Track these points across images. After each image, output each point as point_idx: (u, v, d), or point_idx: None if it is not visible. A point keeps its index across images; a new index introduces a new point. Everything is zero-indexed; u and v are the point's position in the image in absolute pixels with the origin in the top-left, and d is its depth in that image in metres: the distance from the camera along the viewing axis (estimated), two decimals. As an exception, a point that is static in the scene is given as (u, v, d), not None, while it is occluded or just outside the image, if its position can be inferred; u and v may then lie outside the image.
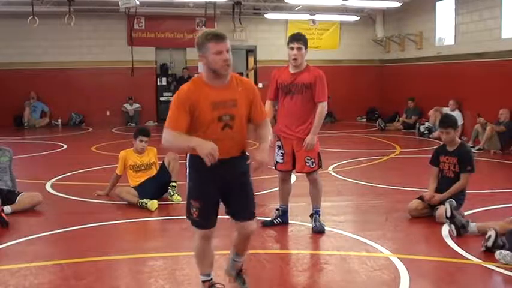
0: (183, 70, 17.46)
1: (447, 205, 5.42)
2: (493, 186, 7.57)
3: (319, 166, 5.53)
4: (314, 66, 5.55)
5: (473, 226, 5.26)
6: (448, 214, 5.33)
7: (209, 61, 3.42)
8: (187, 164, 3.65)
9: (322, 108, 5.37)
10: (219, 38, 3.42)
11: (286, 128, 5.46)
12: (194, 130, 3.45)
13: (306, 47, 5.39)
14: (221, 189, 3.63)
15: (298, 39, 5.37)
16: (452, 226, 5.27)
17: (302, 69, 5.40)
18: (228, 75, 3.51)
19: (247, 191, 3.71)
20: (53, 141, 12.96)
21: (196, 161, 3.43)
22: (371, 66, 18.36)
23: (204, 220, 3.78)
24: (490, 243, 4.71)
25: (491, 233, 4.74)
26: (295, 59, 5.34)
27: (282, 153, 5.52)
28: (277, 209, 5.76)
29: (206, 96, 3.43)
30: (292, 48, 5.34)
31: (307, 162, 5.40)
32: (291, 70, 5.43)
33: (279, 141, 5.52)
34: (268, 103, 5.59)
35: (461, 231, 5.22)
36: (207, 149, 3.25)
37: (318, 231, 5.43)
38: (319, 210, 5.55)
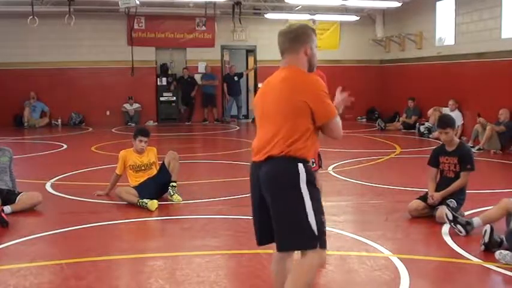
0: (183, 70, 17.47)
1: (446, 210, 5.43)
2: (493, 186, 7.57)
3: (320, 166, 5.53)
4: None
5: (476, 220, 5.29)
6: (450, 217, 5.34)
7: (312, 54, 3.28)
8: (301, 178, 3.04)
9: None
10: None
11: None
12: None
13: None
14: None
15: None
16: (459, 226, 5.27)
17: None
18: None
19: None
20: (53, 141, 12.96)
21: (311, 172, 3.11)
22: (371, 66, 18.36)
23: None
24: (486, 239, 4.73)
25: (487, 228, 4.79)
26: None
27: None
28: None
29: None
30: None
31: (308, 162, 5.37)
32: None
33: None
34: None
35: (467, 228, 5.23)
36: None
37: None
38: None
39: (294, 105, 3.06)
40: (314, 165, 5.43)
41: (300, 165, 3.06)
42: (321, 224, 3.05)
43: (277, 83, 3.19)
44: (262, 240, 3.27)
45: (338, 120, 3.25)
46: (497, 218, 5.19)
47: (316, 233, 3.00)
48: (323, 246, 3.09)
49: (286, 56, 3.26)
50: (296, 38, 3.23)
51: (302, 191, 3.02)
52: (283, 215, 3.04)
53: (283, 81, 3.15)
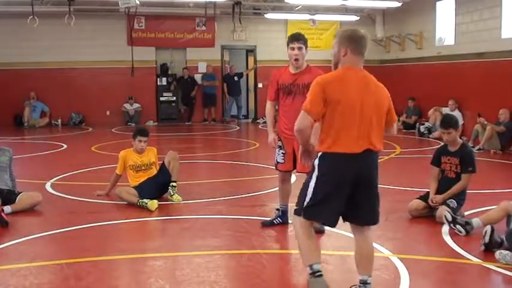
0: (183, 70, 17.47)
1: (445, 211, 5.43)
2: (493, 186, 7.57)
3: None
4: (315, 66, 5.54)
5: (476, 221, 5.29)
6: (449, 218, 5.34)
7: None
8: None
9: None
10: None
11: (287, 129, 5.45)
12: None
13: (307, 47, 5.37)
14: None
15: (298, 38, 5.34)
16: (458, 226, 5.28)
17: (303, 70, 5.37)
18: None
19: None
20: (53, 141, 12.96)
21: None
22: (371, 66, 18.28)
23: None
24: (487, 239, 4.73)
25: (487, 228, 4.78)
26: (296, 60, 5.31)
27: (282, 153, 5.51)
28: (277, 209, 5.76)
29: None
30: (293, 49, 5.31)
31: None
32: (292, 70, 5.41)
33: (280, 142, 5.51)
34: (268, 104, 5.58)
35: (467, 228, 5.23)
36: None
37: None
38: None
39: (385, 109, 3.72)
40: None
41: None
42: None
43: (373, 86, 3.67)
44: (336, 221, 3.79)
45: None
46: (497, 219, 5.19)
47: None
48: None
49: (362, 59, 3.68)
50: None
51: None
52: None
53: (379, 87, 3.73)
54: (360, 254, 3.73)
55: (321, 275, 3.68)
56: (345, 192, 3.56)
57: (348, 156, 3.52)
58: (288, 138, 5.44)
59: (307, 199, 3.62)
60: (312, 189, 3.60)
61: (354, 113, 3.52)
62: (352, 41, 3.60)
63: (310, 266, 3.69)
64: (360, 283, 3.66)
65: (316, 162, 3.62)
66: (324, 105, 3.52)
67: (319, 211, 3.61)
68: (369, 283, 3.65)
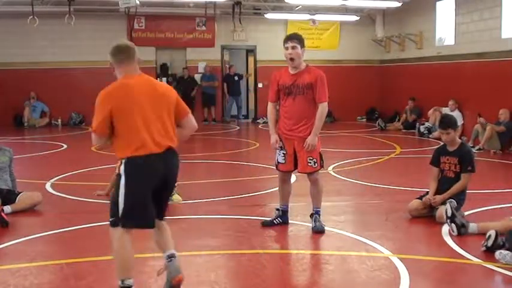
0: (183, 70, 17.46)
1: (448, 205, 5.42)
2: (493, 186, 7.57)
3: (321, 166, 5.53)
4: (314, 66, 5.54)
5: (473, 226, 5.27)
6: (449, 213, 5.33)
7: None
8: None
9: (323, 108, 5.36)
10: None
11: (288, 129, 5.45)
12: None
13: (302, 46, 5.37)
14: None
15: (292, 37, 5.38)
16: (453, 225, 5.28)
17: (302, 70, 5.38)
18: None
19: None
20: (53, 141, 12.96)
21: None
22: (371, 66, 18.36)
23: None
24: (490, 243, 4.71)
25: (491, 233, 4.74)
26: (291, 59, 5.32)
27: (283, 153, 5.50)
28: (277, 209, 5.76)
29: None
30: (287, 48, 5.33)
31: (310, 163, 5.38)
32: (291, 71, 5.41)
33: (281, 142, 5.50)
34: (269, 105, 5.59)
35: (461, 231, 5.23)
36: None
37: (318, 231, 5.43)
38: (319, 210, 5.54)
39: (174, 104, 3.88)
40: (316, 165, 5.45)
41: None
42: None
43: (158, 86, 4.02)
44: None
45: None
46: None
47: None
48: None
49: (131, 65, 3.98)
50: None
51: None
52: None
53: (163, 86, 4.10)
54: (159, 237, 3.93)
55: None
56: (154, 192, 3.70)
57: (153, 156, 3.64)
58: (288, 139, 5.45)
59: (121, 207, 3.63)
60: (124, 197, 3.62)
61: (146, 114, 3.66)
62: (112, 55, 3.87)
63: (122, 281, 3.71)
64: (168, 257, 3.85)
65: (122, 168, 3.68)
66: (110, 119, 3.67)
67: (136, 215, 3.66)
68: (176, 257, 3.86)
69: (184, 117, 3.90)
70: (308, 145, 5.31)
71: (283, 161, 5.53)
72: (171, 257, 3.84)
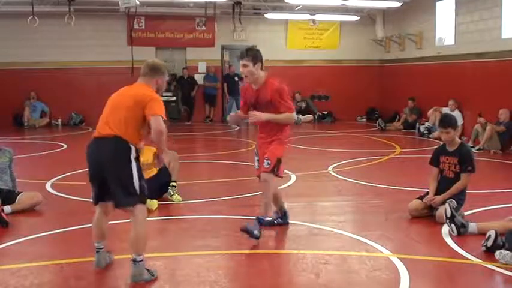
0: (183, 70, 17.47)
1: (447, 205, 5.42)
2: (493, 186, 7.57)
3: (272, 171, 5.21)
4: (271, 77, 5.30)
5: (473, 226, 5.27)
6: (448, 214, 5.33)
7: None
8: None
9: (291, 115, 5.34)
10: None
11: (260, 138, 5.46)
12: None
13: (256, 61, 5.17)
14: None
15: (242, 56, 5.17)
16: (453, 225, 5.27)
17: (262, 85, 5.24)
18: None
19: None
20: (53, 141, 12.97)
21: None
22: (371, 66, 18.36)
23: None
24: (489, 243, 4.71)
25: (491, 233, 4.74)
26: (246, 76, 5.25)
27: (257, 159, 5.50)
28: (276, 212, 5.74)
29: None
30: (240, 66, 5.25)
31: (264, 163, 5.24)
32: (254, 87, 5.32)
33: (255, 149, 5.55)
34: (241, 115, 5.67)
35: (461, 231, 5.23)
36: None
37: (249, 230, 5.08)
38: (262, 219, 5.15)
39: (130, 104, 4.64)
40: (268, 166, 5.23)
41: None
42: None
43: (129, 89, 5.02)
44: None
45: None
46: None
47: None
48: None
49: (141, 79, 5.01)
50: None
51: None
52: None
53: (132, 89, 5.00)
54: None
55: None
56: (102, 176, 4.48)
57: (92, 140, 4.42)
58: (261, 146, 5.42)
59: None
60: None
61: (107, 108, 4.60)
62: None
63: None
64: (131, 260, 4.16)
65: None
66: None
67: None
68: (139, 261, 4.13)
69: (149, 119, 4.36)
70: (253, 114, 5.20)
71: (257, 167, 5.50)
72: (132, 260, 4.16)
